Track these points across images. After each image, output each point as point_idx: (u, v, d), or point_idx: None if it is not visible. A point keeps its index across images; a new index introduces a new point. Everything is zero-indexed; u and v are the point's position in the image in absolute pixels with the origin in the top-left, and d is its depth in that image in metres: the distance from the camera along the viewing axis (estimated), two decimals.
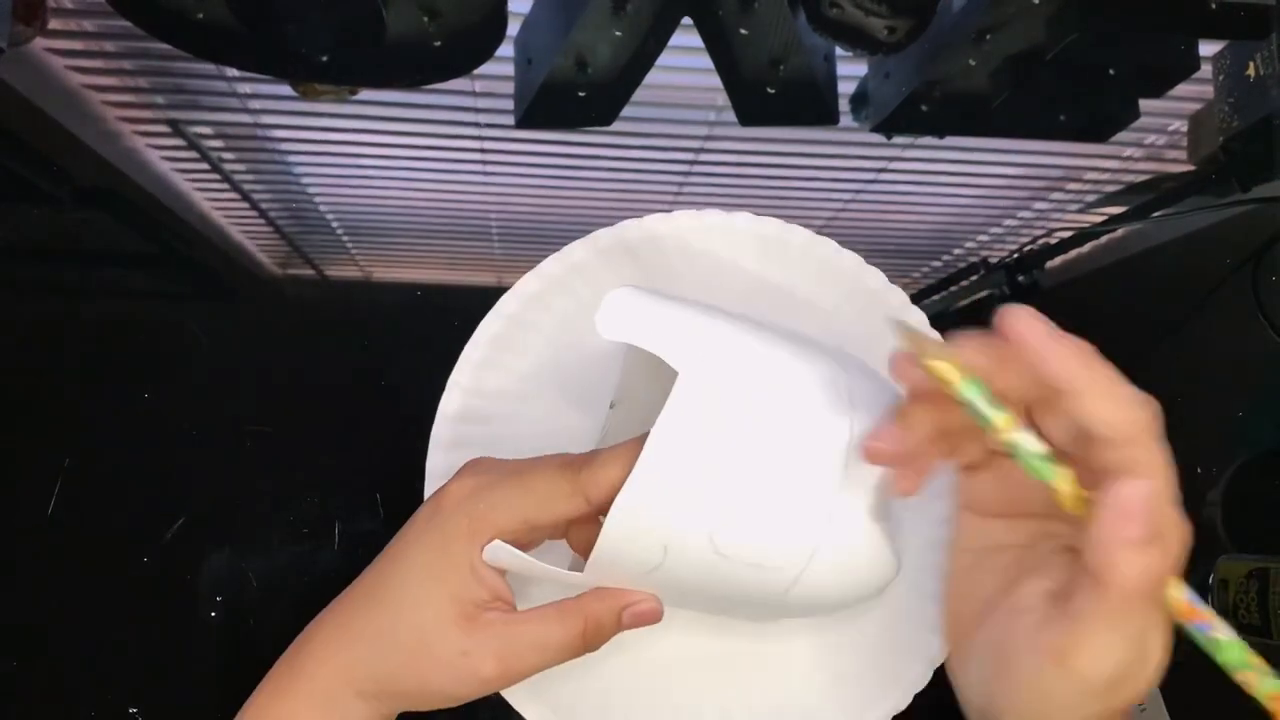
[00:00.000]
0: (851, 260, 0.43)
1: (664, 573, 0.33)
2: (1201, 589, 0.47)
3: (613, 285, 0.36)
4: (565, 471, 0.33)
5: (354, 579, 0.37)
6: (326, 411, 0.47)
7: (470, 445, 0.42)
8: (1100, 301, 0.53)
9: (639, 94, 0.53)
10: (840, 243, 0.44)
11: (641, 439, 0.32)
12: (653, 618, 0.35)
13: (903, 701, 0.40)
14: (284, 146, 0.52)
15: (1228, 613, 0.46)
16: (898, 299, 0.43)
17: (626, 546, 0.32)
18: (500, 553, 0.33)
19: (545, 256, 0.43)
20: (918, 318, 0.43)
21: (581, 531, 0.36)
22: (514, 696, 0.39)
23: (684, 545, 0.32)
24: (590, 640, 0.34)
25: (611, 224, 0.44)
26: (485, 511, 0.33)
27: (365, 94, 0.52)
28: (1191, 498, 0.49)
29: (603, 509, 0.33)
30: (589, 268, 0.43)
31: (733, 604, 0.35)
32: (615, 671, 0.41)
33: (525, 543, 0.34)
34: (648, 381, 0.38)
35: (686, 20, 0.55)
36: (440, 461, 0.42)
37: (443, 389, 0.42)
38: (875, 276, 0.43)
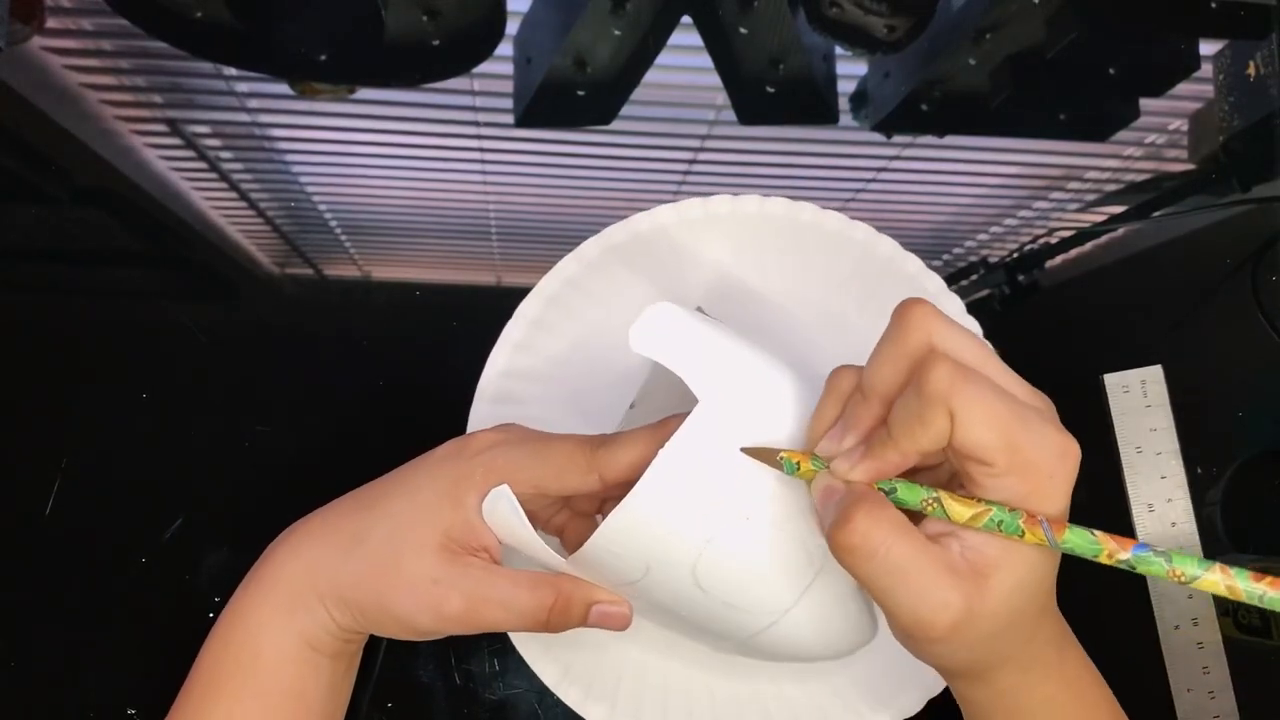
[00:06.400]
0: (864, 231, 0.44)
1: (639, 588, 0.33)
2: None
3: (640, 276, 0.35)
4: (584, 447, 0.34)
5: None
6: (325, 411, 0.47)
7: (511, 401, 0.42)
8: (1100, 301, 0.53)
9: (638, 93, 0.53)
10: None
11: (660, 425, 0.32)
12: (619, 623, 0.35)
13: (915, 705, 0.40)
14: (282, 145, 0.52)
15: (1228, 613, 0.46)
16: (913, 265, 0.44)
17: (612, 558, 0.32)
18: (501, 501, 0.33)
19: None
20: (936, 284, 0.44)
21: (576, 529, 0.37)
22: (527, 653, 0.40)
23: (666, 569, 0.32)
24: (554, 619, 0.34)
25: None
26: (503, 466, 0.34)
27: (364, 93, 0.52)
28: (1192, 498, 0.49)
29: (612, 490, 0.33)
30: (626, 250, 0.44)
31: (698, 631, 0.35)
32: (625, 648, 0.42)
33: (530, 511, 0.34)
34: (669, 389, 0.39)
35: (686, 19, 0.55)
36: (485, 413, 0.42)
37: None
38: (887, 244, 0.44)
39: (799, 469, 0.30)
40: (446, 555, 0.33)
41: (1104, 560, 0.27)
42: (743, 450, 0.31)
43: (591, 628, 0.35)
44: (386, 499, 0.35)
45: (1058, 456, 0.27)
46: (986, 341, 0.28)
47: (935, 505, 0.28)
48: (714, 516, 0.31)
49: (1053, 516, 0.27)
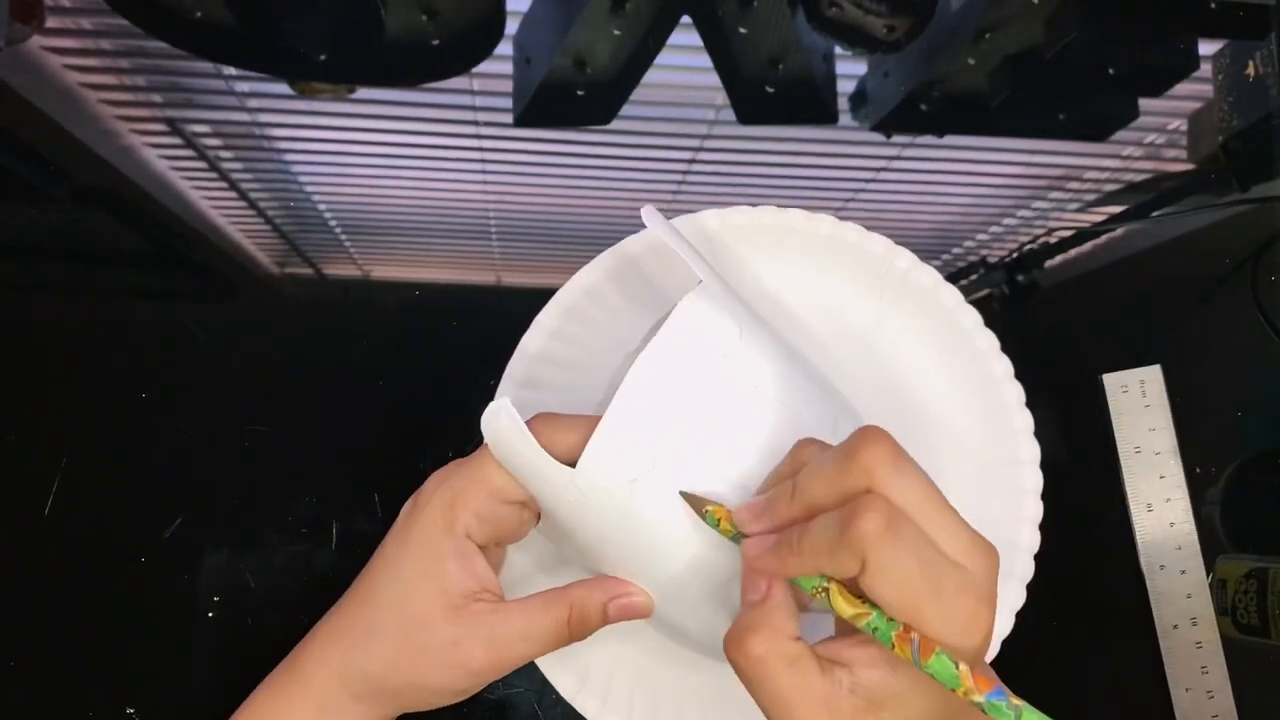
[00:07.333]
0: (881, 243, 0.44)
1: (636, 496, 0.33)
2: (1201, 588, 0.47)
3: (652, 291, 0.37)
4: None
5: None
6: (325, 411, 0.47)
7: (541, 386, 0.42)
8: (1100, 301, 0.53)
9: (638, 93, 0.53)
10: None
11: (596, 419, 0.32)
12: (641, 611, 0.35)
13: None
14: (282, 145, 0.52)
15: (1226, 613, 0.46)
16: (929, 278, 0.44)
17: (616, 452, 0.32)
18: (501, 415, 0.33)
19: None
20: (932, 277, 0.44)
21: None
22: (543, 663, 0.40)
23: (670, 458, 0.32)
24: (575, 630, 0.34)
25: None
26: (454, 499, 0.34)
27: (363, 92, 0.52)
28: (1191, 498, 0.49)
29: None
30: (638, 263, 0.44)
31: (640, 568, 0.35)
32: (639, 646, 0.41)
33: (502, 528, 0.35)
34: None
35: (685, 19, 0.55)
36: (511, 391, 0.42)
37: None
38: (906, 258, 0.44)
39: (719, 525, 0.31)
40: (454, 613, 0.33)
41: (960, 695, 0.26)
42: (681, 493, 0.32)
43: (615, 621, 0.35)
44: (379, 588, 0.35)
45: (960, 631, 0.26)
46: (934, 484, 0.27)
47: (823, 595, 0.28)
48: (722, 386, 0.32)
49: (935, 643, 0.26)
